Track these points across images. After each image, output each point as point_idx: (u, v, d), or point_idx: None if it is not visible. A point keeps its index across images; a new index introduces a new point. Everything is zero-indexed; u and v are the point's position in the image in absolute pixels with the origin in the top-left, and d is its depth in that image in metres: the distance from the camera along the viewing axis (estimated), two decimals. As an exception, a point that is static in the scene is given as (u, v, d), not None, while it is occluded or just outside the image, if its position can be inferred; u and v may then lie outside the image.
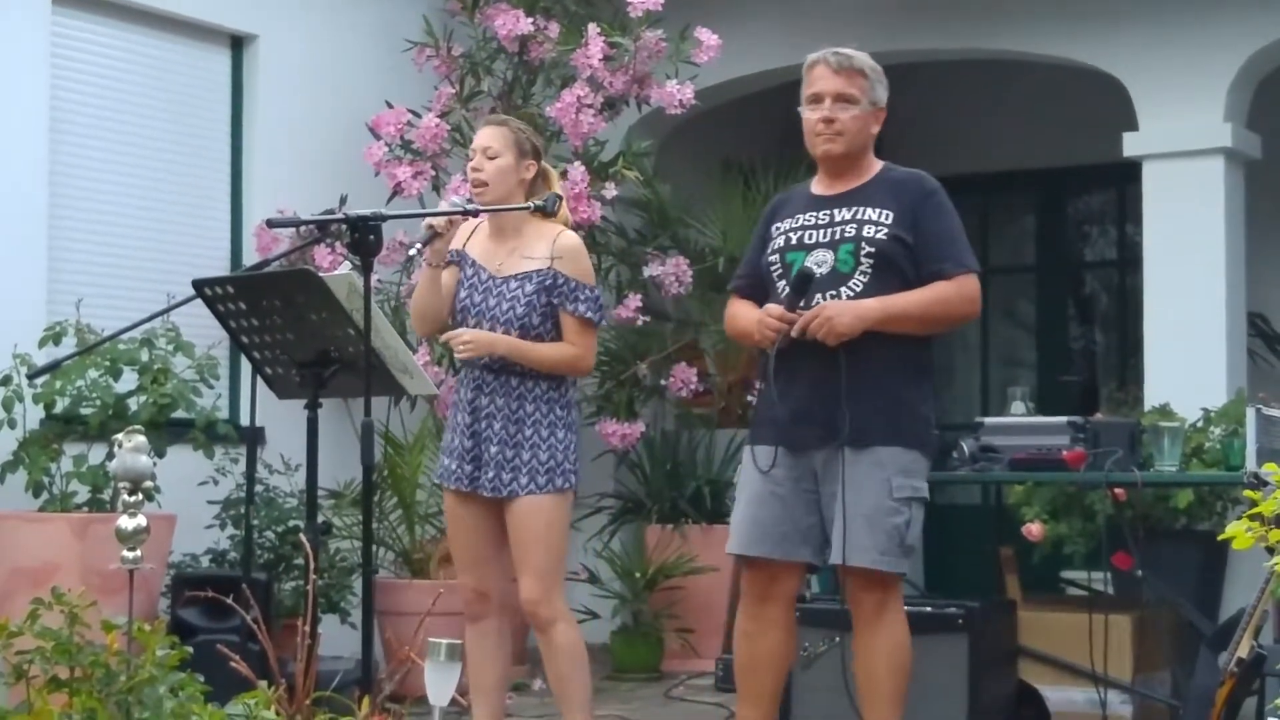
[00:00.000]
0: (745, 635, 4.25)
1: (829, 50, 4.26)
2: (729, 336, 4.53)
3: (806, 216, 4.21)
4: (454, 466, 4.46)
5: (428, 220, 4.46)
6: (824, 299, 4.06)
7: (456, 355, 4.41)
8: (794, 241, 4.19)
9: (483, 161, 4.47)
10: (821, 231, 4.17)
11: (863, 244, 4.09)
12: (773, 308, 4.11)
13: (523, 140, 4.51)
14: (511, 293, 4.41)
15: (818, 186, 4.29)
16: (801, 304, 4.06)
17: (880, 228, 4.10)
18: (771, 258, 4.23)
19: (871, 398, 4.05)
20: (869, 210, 4.14)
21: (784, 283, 4.14)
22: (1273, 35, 6.99)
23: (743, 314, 4.27)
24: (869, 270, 4.08)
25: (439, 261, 4.47)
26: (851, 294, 4.07)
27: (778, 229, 4.26)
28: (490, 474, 4.39)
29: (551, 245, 4.42)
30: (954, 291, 4.11)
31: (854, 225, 4.13)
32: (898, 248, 4.09)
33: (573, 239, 4.49)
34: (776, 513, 4.14)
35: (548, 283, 4.39)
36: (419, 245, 4.45)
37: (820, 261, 4.11)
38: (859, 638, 4.14)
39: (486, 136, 4.51)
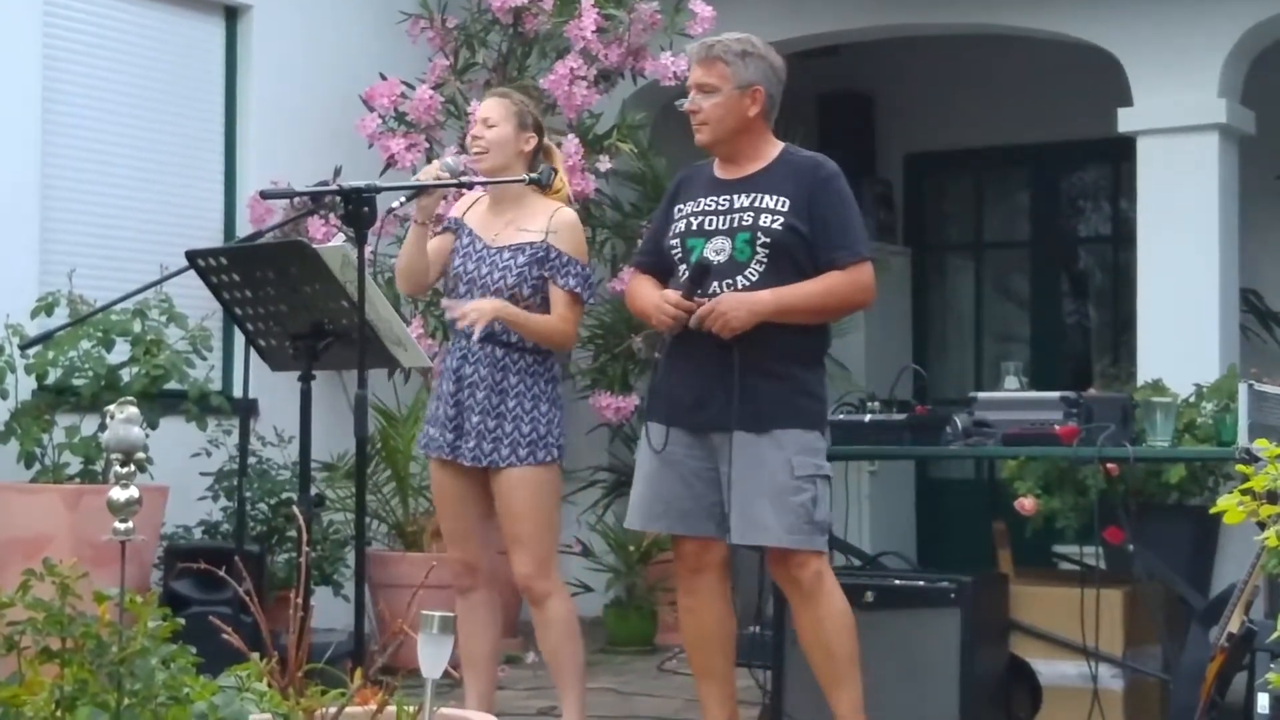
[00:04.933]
0: (688, 611, 4.33)
1: (698, 42, 4.30)
2: (630, 312, 4.56)
3: (707, 201, 4.25)
4: (435, 434, 4.47)
5: (417, 176, 4.48)
6: (720, 287, 4.12)
7: (459, 325, 4.39)
8: (694, 227, 4.23)
9: (482, 130, 4.49)
10: (721, 218, 4.20)
11: (759, 234, 4.13)
12: (670, 294, 4.17)
13: (524, 113, 4.53)
14: (504, 263, 4.42)
15: (719, 170, 4.31)
16: (699, 292, 4.11)
17: (776, 216, 4.14)
18: (672, 241, 4.27)
19: (769, 383, 4.11)
20: (766, 198, 4.17)
21: (684, 267, 4.19)
22: (1267, 11, 6.98)
23: (643, 293, 4.31)
24: (765, 260, 4.12)
25: (425, 218, 4.47)
26: (747, 283, 4.12)
27: (680, 211, 4.29)
28: (471, 443, 4.40)
29: (549, 219, 4.44)
30: (846, 281, 4.15)
31: (751, 214, 4.16)
32: (792, 237, 4.12)
33: (569, 215, 4.51)
34: (676, 489, 4.22)
35: (540, 255, 4.41)
36: (403, 199, 4.45)
37: (719, 249, 4.16)
38: (801, 616, 4.20)
39: (487, 107, 4.54)
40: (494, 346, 4.41)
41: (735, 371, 4.08)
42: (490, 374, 4.41)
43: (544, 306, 4.44)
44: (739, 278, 4.13)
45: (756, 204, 4.17)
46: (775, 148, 4.28)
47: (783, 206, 4.15)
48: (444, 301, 4.49)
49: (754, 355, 4.09)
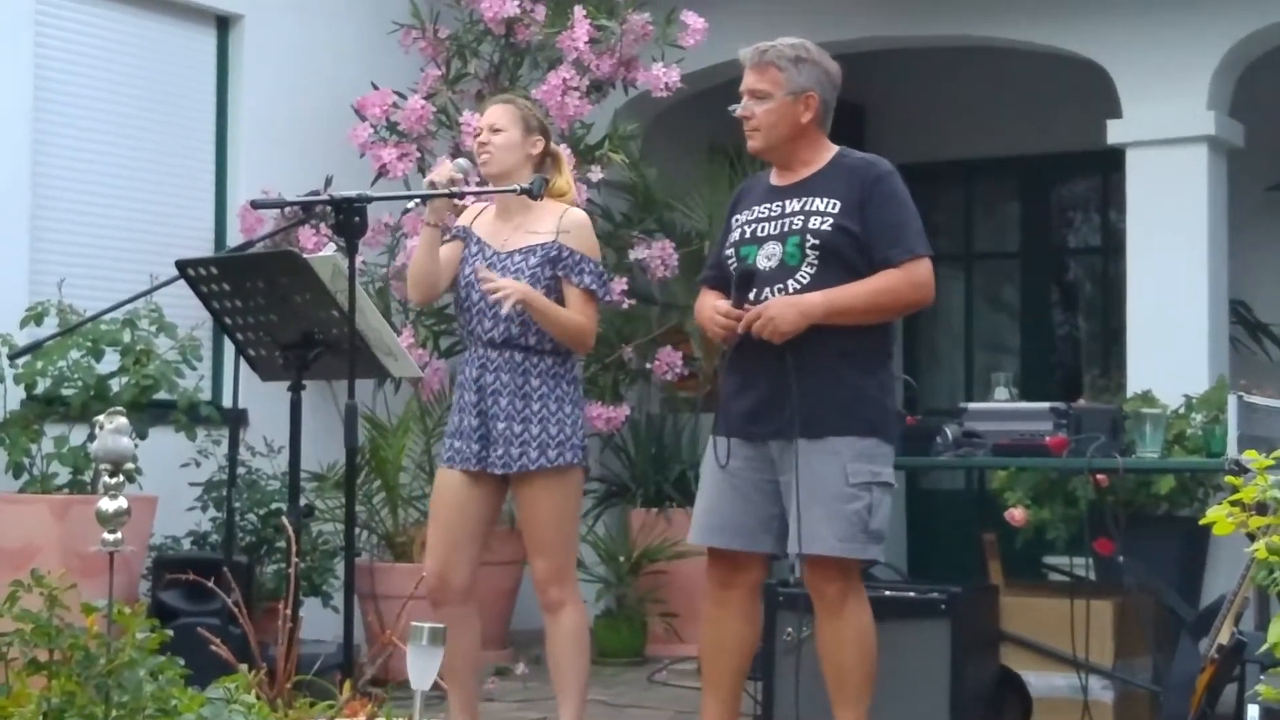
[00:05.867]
0: (709, 621, 4.29)
1: (752, 46, 4.26)
2: (698, 325, 4.55)
3: (761, 209, 4.23)
4: (461, 446, 4.44)
5: (430, 177, 4.49)
6: (772, 293, 4.09)
7: (492, 299, 4.33)
8: (748, 235, 4.22)
9: (489, 136, 4.49)
10: (773, 224, 4.18)
11: (808, 236, 4.10)
12: (721, 304, 4.15)
13: (529, 117, 4.55)
14: (515, 266, 4.42)
15: (774, 177, 4.30)
16: (750, 299, 4.09)
17: (826, 218, 4.11)
18: (728, 251, 4.26)
19: (824, 389, 4.07)
20: (817, 201, 4.14)
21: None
22: (1256, 23, 7.00)
23: (704, 305, 4.29)
24: (815, 262, 4.09)
25: (437, 219, 4.46)
26: (798, 286, 4.09)
27: (737, 221, 4.29)
28: (500, 450, 4.38)
29: (559, 220, 4.45)
30: (902, 280, 4.10)
31: (801, 217, 4.14)
32: (843, 238, 4.09)
33: (580, 215, 4.52)
34: (735, 504, 4.18)
35: (552, 255, 4.41)
36: (418, 200, 4.44)
37: (771, 254, 4.14)
38: (824, 626, 4.16)
39: (494, 113, 4.55)
40: (513, 351, 4.41)
41: (791, 379, 4.04)
42: (512, 379, 4.40)
43: None
44: (790, 282, 4.09)
45: (807, 207, 4.14)
46: (829, 152, 4.24)
47: (833, 208, 4.11)
48: (478, 266, 4.45)
49: (808, 360, 4.05)
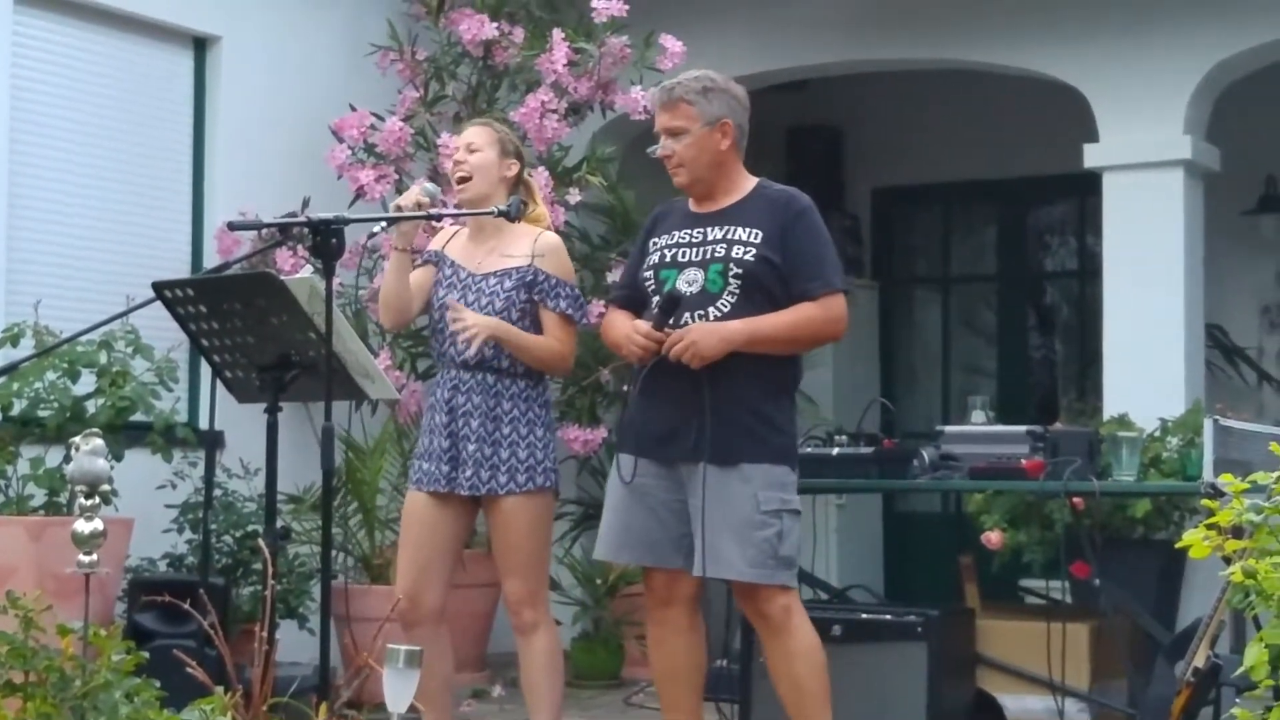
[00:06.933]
0: (656, 644, 4.34)
1: (659, 86, 4.33)
2: (605, 345, 4.58)
3: (681, 234, 4.28)
4: (430, 468, 4.45)
5: (397, 201, 4.50)
6: (692, 318, 4.15)
7: (461, 339, 4.36)
8: (668, 259, 4.26)
9: (465, 155, 4.51)
10: (694, 250, 4.23)
11: (731, 264, 4.16)
12: (641, 324, 4.19)
13: (505, 140, 4.59)
14: (490, 289, 4.43)
15: (694, 204, 4.35)
16: (671, 322, 4.13)
17: (749, 248, 4.16)
18: (646, 274, 4.30)
19: (737, 415, 4.12)
20: (739, 230, 4.20)
21: (657, 299, 4.21)
22: (1233, 48, 7.04)
23: (617, 325, 4.32)
24: (737, 291, 4.15)
25: (405, 243, 4.47)
26: (719, 314, 4.14)
27: (654, 244, 4.33)
28: (469, 472, 4.39)
29: (533, 243, 4.46)
30: (819, 313, 4.18)
31: (724, 245, 4.19)
32: (765, 268, 4.15)
33: (554, 238, 4.54)
34: (646, 521, 4.23)
35: (528, 279, 4.42)
36: (384, 225, 4.46)
37: (692, 280, 4.19)
38: (772, 647, 4.20)
39: (471, 134, 4.60)
40: (485, 374, 4.42)
41: (706, 404, 4.09)
42: (484, 401, 4.41)
43: (533, 331, 4.44)
44: (711, 309, 4.15)
45: (729, 236, 4.20)
46: (750, 182, 4.32)
47: (755, 238, 4.17)
48: (448, 299, 4.45)
49: (724, 387, 4.11)
